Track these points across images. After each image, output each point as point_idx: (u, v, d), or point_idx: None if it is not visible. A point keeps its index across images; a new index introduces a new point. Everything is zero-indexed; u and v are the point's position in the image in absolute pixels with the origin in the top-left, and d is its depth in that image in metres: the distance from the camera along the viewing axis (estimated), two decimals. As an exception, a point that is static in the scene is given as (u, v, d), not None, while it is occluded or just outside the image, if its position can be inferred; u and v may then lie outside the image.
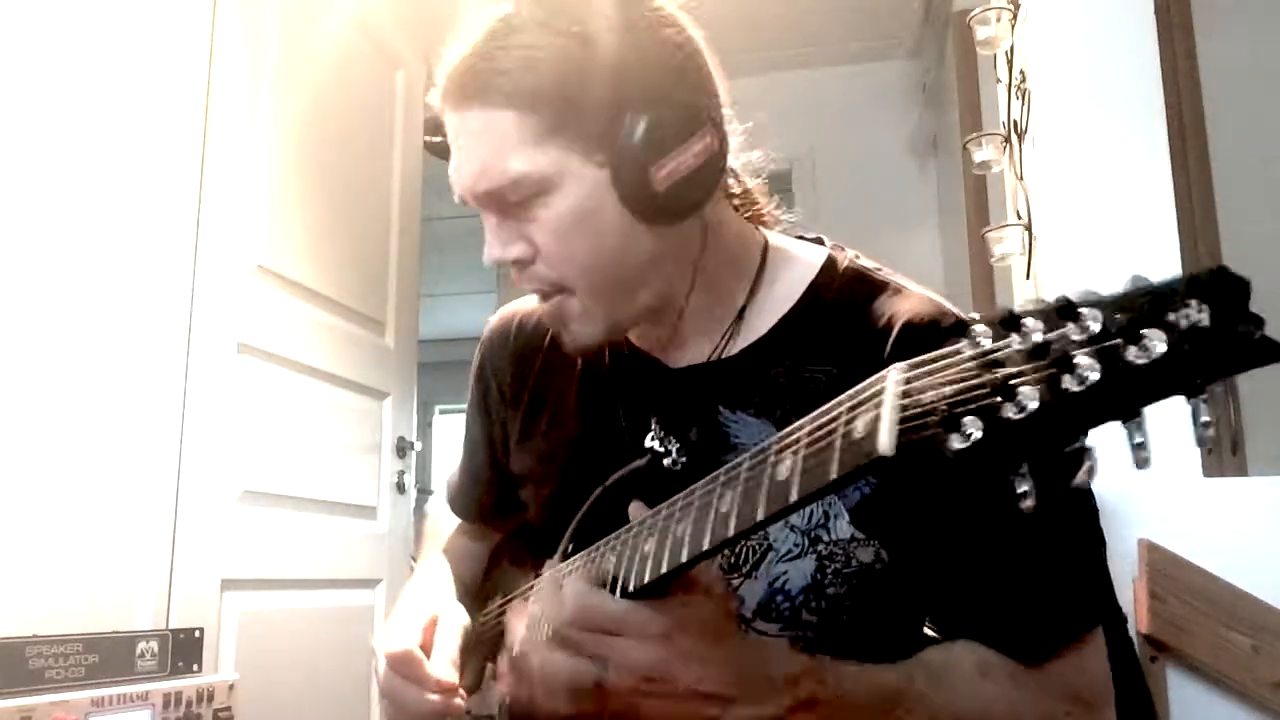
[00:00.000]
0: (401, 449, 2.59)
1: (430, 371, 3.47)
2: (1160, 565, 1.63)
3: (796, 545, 0.78)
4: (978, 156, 2.25)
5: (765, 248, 0.86)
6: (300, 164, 2.19)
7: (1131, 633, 1.58)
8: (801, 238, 0.91)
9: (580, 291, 0.79)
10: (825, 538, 0.77)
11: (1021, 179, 2.12)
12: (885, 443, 0.45)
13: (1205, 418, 0.40)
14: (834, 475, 0.50)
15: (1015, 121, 2.13)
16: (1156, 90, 1.94)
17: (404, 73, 2.72)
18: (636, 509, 0.70)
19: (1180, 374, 0.38)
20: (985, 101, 2.63)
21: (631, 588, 0.64)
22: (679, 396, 0.85)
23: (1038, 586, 0.73)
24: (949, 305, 0.80)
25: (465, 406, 1.05)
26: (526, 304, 0.99)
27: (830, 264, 0.85)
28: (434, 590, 0.99)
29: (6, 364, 1.46)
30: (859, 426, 0.48)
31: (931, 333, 0.77)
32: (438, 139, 0.84)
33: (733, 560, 0.79)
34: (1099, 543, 0.76)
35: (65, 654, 1.35)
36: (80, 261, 1.59)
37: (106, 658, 1.40)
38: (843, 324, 0.80)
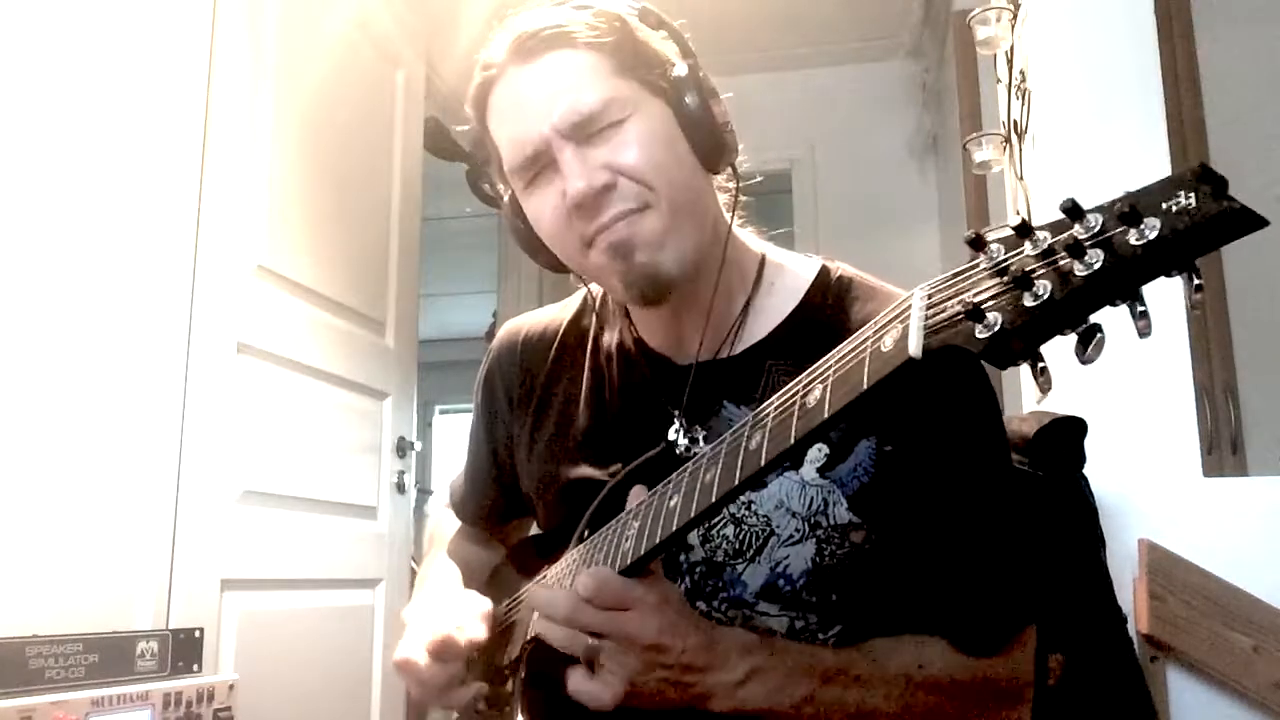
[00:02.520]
0: (401, 449, 2.59)
1: (430, 371, 3.47)
2: (1160, 565, 1.63)
3: (798, 530, 0.81)
4: (978, 156, 2.25)
5: (763, 258, 0.92)
6: (300, 164, 2.19)
7: (1131, 633, 1.58)
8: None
9: (663, 208, 0.81)
10: (825, 523, 0.81)
11: (1021, 179, 2.12)
12: (914, 346, 0.52)
13: (1198, 281, 0.45)
14: (866, 385, 0.55)
15: (1015, 121, 2.13)
16: (1156, 90, 1.94)
17: (404, 73, 2.72)
18: (637, 492, 0.76)
19: (1174, 251, 0.44)
20: (985, 101, 2.63)
21: (660, 538, 0.69)
22: (689, 390, 0.88)
23: (985, 587, 0.81)
24: None
25: (466, 407, 1.07)
26: (533, 317, 1.04)
27: (824, 273, 0.91)
28: (455, 587, 1.01)
29: (7, 364, 1.46)
30: (887, 341, 0.55)
31: None
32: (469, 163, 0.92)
33: (737, 545, 0.83)
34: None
35: (65, 654, 1.35)
36: (80, 261, 1.59)
37: (106, 658, 1.40)
38: (836, 326, 0.85)
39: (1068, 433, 1.49)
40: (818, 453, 0.82)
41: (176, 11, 1.84)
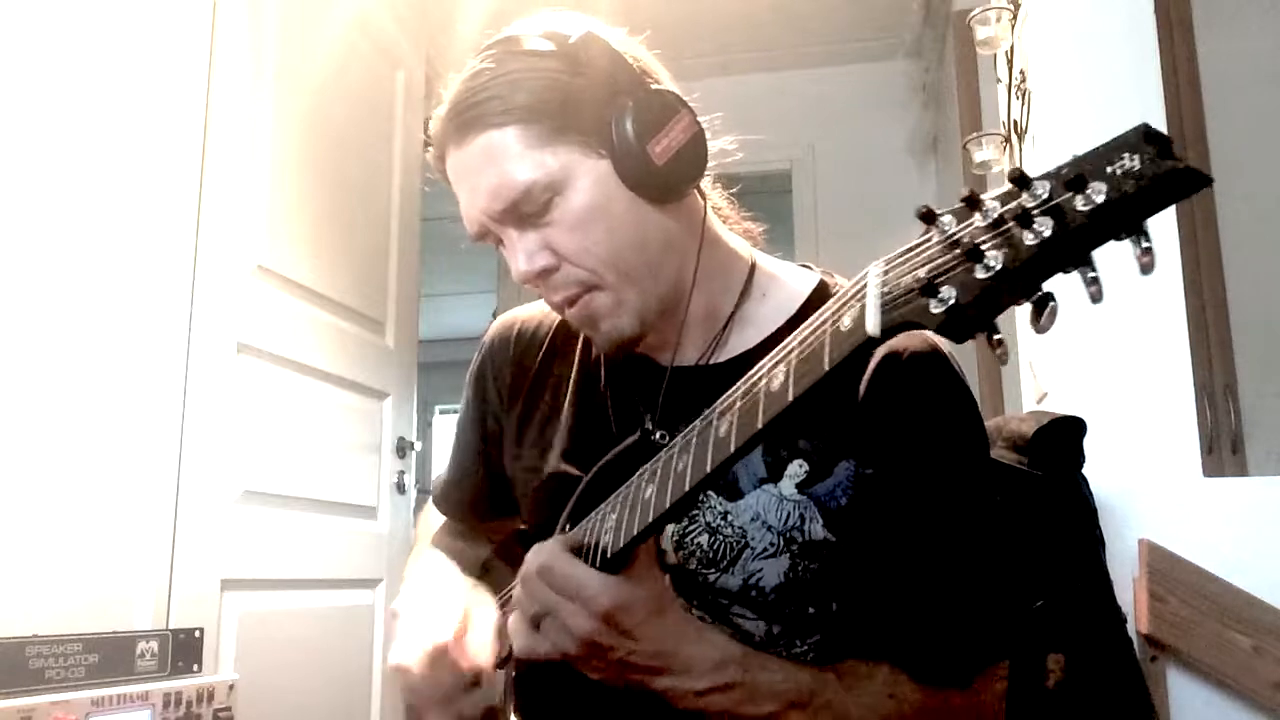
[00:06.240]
0: (401, 449, 2.59)
1: (430, 371, 3.47)
2: (1160, 565, 1.63)
3: (772, 544, 0.81)
4: (978, 156, 2.25)
5: (753, 264, 0.91)
6: (300, 164, 2.19)
7: (1131, 633, 1.58)
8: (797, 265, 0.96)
9: (609, 283, 0.82)
10: (800, 539, 0.81)
11: (1021, 179, 2.12)
12: (872, 324, 0.52)
13: (1146, 244, 0.45)
14: (828, 366, 0.55)
15: (1015, 121, 2.13)
16: (1156, 90, 1.94)
17: (404, 73, 2.72)
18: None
19: (1122, 214, 0.44)
20: (985, 101, 2.63)
21: (638, 529, 0.69)
22: (670, 393, 0.88)
23: (960, 618, 0.80)
24: (935, 337, 0.78)
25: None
26: (527, 311, 1.03)
27: (822, 288, 0.89)
28: (450, 582, 1.00)
29: (7, 364, 1.46)
30: (846, 320, 0.55)
31: (910, 366, 0.81)
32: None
33: (710, 555, 0.83)
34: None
35: (65, 654, 1.35)
36: (80, 262, 1.59)
37: (106, 658, 1.40)
38: None
39: (1067, 432, 1.49)
40: (798, 468, 0.81)
41: (176, 12, 1.84)
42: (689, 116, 0.82)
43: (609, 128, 0.80)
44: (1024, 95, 2.07)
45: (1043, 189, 0.46)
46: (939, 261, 0.50)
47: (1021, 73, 2.08)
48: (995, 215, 0.47)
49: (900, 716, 0.77)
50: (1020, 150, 2.13)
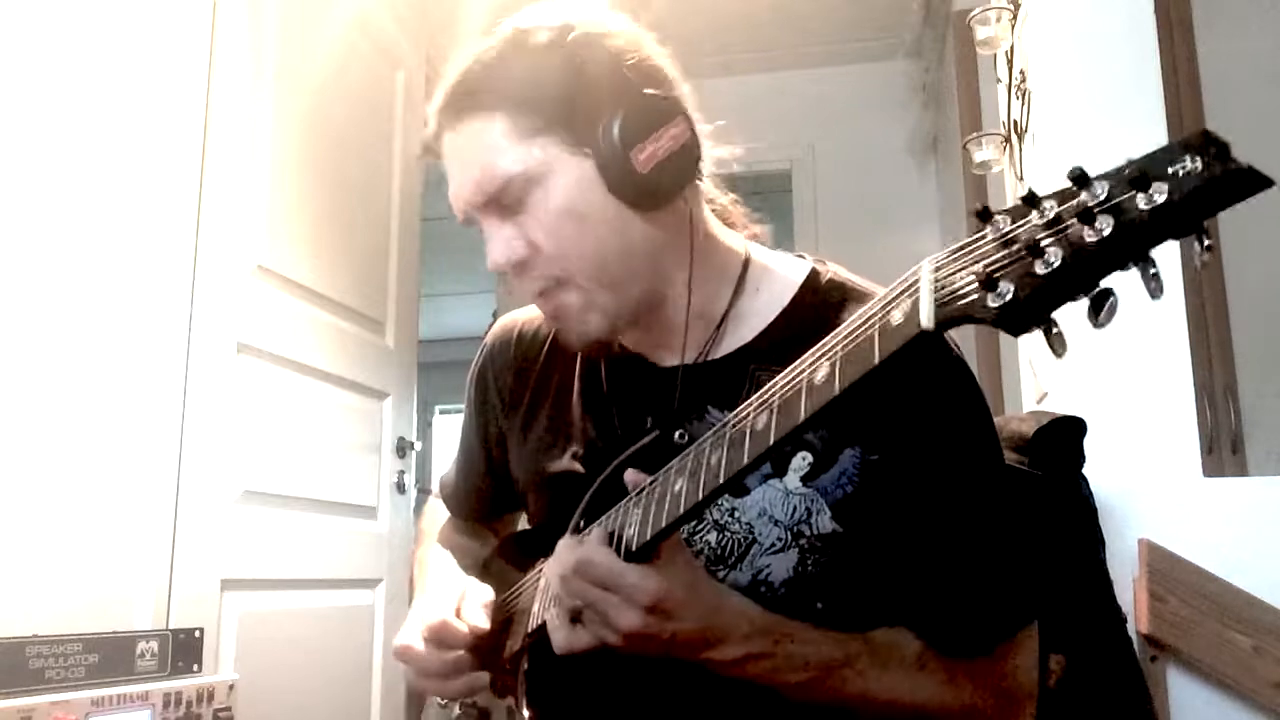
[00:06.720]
0: (401, 449, 2.59)
1: (430, 371, 3.47)
2: (1160, 565, 1.63)
3: (780, 539, 0.81)
4: (978, 156, 2.25)
5: (747, 259, 0.91)
6: (300, 164, 2.19)
7: (1131, 633, 1.58)
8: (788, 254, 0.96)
9: (579, 282, 0.83)
10: (807, 532, 0.81)
11: (1021, 179, 2.13)
12: (926, 318, 0.52)
13: (1208, 242, 0.46)
14: (878, 360, 0.55)
15: (1015, 121, 2.13)
16: (1156, 90, 1.94)
17: (404, 73, 2.72)
18: (632, 476, 0.76)
19: (1181, 214, 0.44)
20: (985, 101, 2.63)
21: (666, 521, 0.70)
22: (670, 394, 0.88)
23: (981, 588, 0.81)
24: None
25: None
26: (527, 313, 1.03)
27: (814, 276, 0.89)
28: (451, 573, 1.02)
29: (7, 364, 1.46)
30: (895, 315, 0.55)
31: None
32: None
33: (719, 552, 0.83)
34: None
35: (65, 654, 1.35)
36: (80, 262, 1.59)
37: (106, 658, 1.40)
38: (824, 331, 0.84)
39: (1067, 432, 1.49)
40: (802, 461, 0.81)
41: (176, 12, 1.84)
42: (683, 125, 0.82)
43: (598, 128, 0.80)
44: (1024, 95, 2.07)
45: (1102, 188, 0.47)
46: (996, 257, 0.50)
47: (1021, 73, 2.08)
48: (1054, 213, 0.48)
49: (930, 685, 0.78)
50: (1020, 150, 2.13)
